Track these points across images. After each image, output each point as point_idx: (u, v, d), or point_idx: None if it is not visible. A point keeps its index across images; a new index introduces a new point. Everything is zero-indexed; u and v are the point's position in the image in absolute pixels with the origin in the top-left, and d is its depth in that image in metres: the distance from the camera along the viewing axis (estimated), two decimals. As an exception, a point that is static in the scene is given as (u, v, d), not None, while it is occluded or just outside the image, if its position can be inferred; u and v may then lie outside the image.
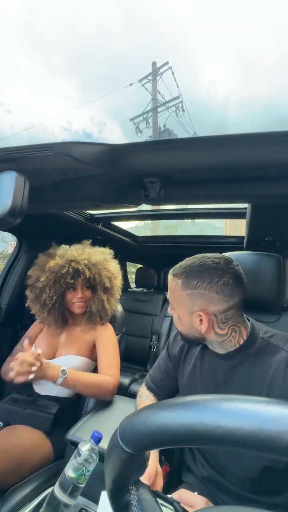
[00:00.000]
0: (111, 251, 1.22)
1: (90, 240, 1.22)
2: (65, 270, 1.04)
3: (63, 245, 1.20)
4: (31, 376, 0.84)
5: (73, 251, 1.10)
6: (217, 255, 0.67)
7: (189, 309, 0.64)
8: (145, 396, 0.86)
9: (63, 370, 0.91)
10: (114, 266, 1.19)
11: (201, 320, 0.63)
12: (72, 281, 1.06)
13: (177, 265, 0.69)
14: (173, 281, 0.67)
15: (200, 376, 0.73)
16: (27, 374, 0.84)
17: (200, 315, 0.62)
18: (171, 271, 0.70)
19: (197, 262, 0.65)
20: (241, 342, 0.64)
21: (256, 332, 0.66)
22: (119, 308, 1.29)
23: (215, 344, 0.67)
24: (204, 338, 0.66)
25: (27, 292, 1.12)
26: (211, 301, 0.61)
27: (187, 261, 0.68)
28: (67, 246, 1.20)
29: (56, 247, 1.18)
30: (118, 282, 1.20)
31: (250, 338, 0.64)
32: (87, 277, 1.07)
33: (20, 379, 0.84)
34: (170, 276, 0.69)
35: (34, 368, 0.84)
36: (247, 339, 0.64)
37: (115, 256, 1.23)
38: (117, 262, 1.23)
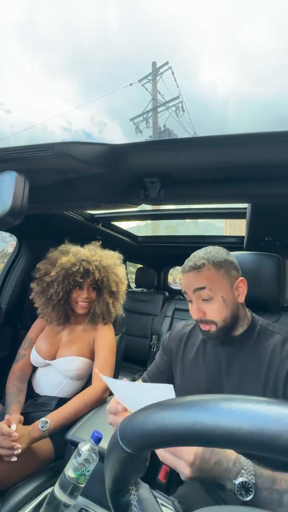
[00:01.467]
0: (121, 256, 1.23)
1: (100, 242, 1.23)
2: (76, 268, 1.04)
3: (66, 245, 1.20)
4: (18, 452, 0.77)
5: (86, 251, 1.11)
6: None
7: (230, 283, 0.69)
8: None
9: (42, 422, 0.85)
10: (122, 271, 1.19)
11: (237, 289, 0.69)
12: (81, 280, 1.07)
13: (190, 262, 0.69)
14: (206, 271, 0.67)
15: (203, 363, 0.75)
16: (12, 454, 0.76)
17: (239, 282, 0.69)
18: (189, 267, 0.69)
19: (208, 249, 0.72)
20: (248, 324, 0.71)
21: (256, 320, 0.74)
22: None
23: (239, 322, 0.70)
24: (238, 316, 0.70)
25: (33, 285, 1.12)
26: (237, 268, 0.72)
27: (197, 253, 0.71)
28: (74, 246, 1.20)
29: (69, 244, 1.18)
30: (124, 287, 1.20)
31: (252, 322, 0.72)
32: (96, 278, 1.08)
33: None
34: (194, 272, 0.68)
35: (17, 446, 0.77)
36: (250, 324, 0.72)
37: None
38: (124, 267, 1.23)
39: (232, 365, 0.70)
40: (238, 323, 0.70)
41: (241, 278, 0.70)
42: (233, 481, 0.43)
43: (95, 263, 1.07)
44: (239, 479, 0.43)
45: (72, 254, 1.08)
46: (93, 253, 1.12)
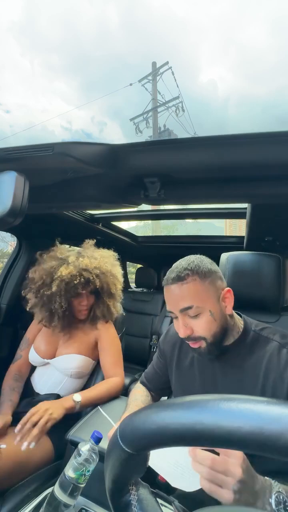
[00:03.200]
0: (115, 254, 1.21)
1: (94, 240, 1.21)
2: (77, 281, 1.01)
3: (63, 246, 1.17)
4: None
5: (85, 259, 1.06)
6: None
7: (217, 295, 0.65)
8: (137, 387, 0.90)
9: (76, 397, 0.92)
10: (119, 271, 1.18)
11: (224, 301, 0.66)
12: (83, 291, 1.06)
13: (173, 274, 0.65)
14: (190, 283, 0.63)
15: (198, 371, 0.74)
16: None
17: (225, 293, 0.66)
18: (172, 279, 0.65)
19: (190, 258, 0.68)
20: (240, 332, 0.69)
21: (249, 326, 0.71)
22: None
23: (229, 333, 0.68)
24: (227, 328, 0.67)
25: (29, 295, 1.08)
26: (222, 278, 0.68)
27: (179, 264, 0.67)
28: (67, 247, 1.18)
29: (60, 247, 1.14)
30: (121, 285, 1.20)
31: (244, 330, 0.69)
32: (98, 286, 1.07)
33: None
34: (178, 284, 0.64)
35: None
36: (243, 331, 0.69)
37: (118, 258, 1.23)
38: (119, 264, 1.22)
39: (227, 374, 0.68)
40: (228, 333, 0.68)
41: (227, 288, 0.67)
42: (269, 499, 0.42)
43: (95, 271, 1.05)
44: (273, 495, 0.42)
45: (72, 265, 1.03)
46: (93, 260, 1.08)
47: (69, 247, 1.20)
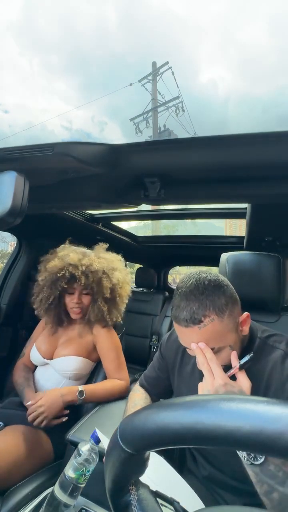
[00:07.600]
0: (121, 258, 1.19)
1: (107, 245, 1.20)
2: (61, 274, 1.02)
3: (64, 246, 1.16)
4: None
5: (74, 255, 1.06)
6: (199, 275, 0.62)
7: (235, 326, 0.59)
8: (136, 390, 0.88)
9: (80, 392, 0.95)
10: (120, 276, 1.13)
11: (241, 326, 0.61)
12: (65, 286, 1.05)
13: (186, 314, 0.56)
14: (208, 325, 0.55)
15: (200, 376, 0.72)
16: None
17: (243, 321, 0.61)
18: (187, 322, 0.56)
19: (199, 290, 0.57)
20: (246, 341, 0.66)
21: (254, 333, 0.68)
22: None
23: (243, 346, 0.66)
24: (243, 345, 0.65)
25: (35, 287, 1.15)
26: (236, 299, 0.61)
27: (189, 299, 0.57)
28: (73, 247, 1.15)
29: (68, 245, 1.15)
30: (124, 291, 1.15)
31: (250, 338, 0.67)
32: (83, 284, 1.04)
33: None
34: (195, 329, 0.56)
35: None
36: (249, 340, 0.67)
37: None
38: (126, 270, 1.19)
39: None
40: (243, 346, 0.65)
41: (246, 314, 0.62)
42: None
43: (82, 268, 1.03)
44: None
45: (58, 258, 1.05)
46: (81, 257, 1.06)
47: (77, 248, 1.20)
